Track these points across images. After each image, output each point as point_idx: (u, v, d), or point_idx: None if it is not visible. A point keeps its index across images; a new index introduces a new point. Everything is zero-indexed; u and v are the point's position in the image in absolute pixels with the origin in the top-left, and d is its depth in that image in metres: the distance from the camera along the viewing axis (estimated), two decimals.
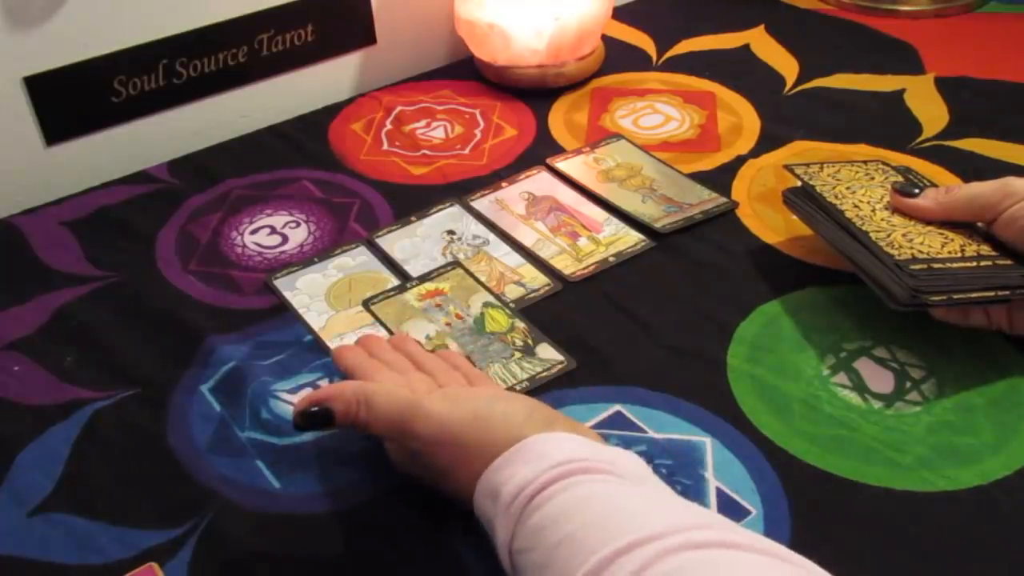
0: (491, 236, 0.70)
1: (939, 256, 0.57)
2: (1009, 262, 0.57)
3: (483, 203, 0.74)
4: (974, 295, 0.55)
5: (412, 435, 0.48)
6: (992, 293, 0.55)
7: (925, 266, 0.56)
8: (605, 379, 0.58)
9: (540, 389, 0.58)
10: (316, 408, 0.48)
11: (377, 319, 0.63)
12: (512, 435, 0.46)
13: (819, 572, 0.36)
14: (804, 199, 0.65)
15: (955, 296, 0.55)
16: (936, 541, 0.49)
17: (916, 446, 0.54)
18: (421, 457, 0.49)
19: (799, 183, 0.65)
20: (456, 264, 0.68)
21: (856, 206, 0.62)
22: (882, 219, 0.60)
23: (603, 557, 0.37)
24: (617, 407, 0.56)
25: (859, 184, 0.64)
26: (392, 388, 0.50)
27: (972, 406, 0.56)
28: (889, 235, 0.59)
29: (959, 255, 0.57)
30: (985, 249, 0.58)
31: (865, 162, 0.67)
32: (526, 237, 0.70)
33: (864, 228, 0.59)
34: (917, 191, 0.61)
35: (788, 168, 0.66)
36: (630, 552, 0.37)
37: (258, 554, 0.50)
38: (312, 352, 0.61)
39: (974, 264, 0.56)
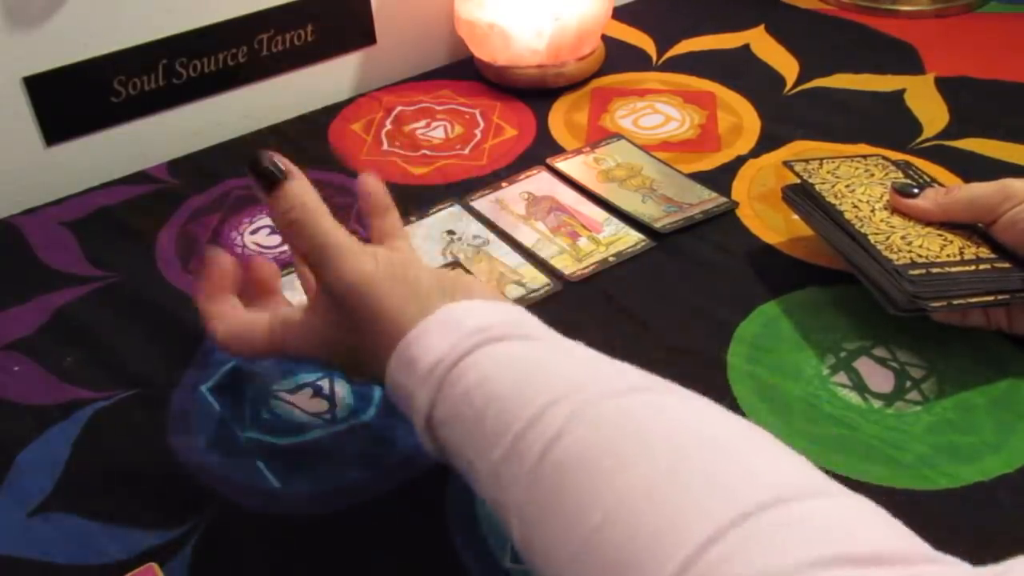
0: (491, 236, 0.70)
1: (938, 260, 0.56)
2: (1008, 265, 0.57)
3: (483, 203, 0.74)
4: (973, 300, 0.55)
5: (335, 273, 0.47)
6: (992, 297, 0.55)
7: (924, 271, 0.56)
8: None
9: None
10: (275, 168, 0.47)
11: None
12: (423, 305, 0.46)
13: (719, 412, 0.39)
14: (803, 197, 0.65)
15: (955, 302, 0.55)
16: (937, 539, 0.49)
17: (916, 445, 0.54)
18: (331, 314, 0.48)
19: (798, 180, 0.65)
20: (456, 264, 0.68)
21: (855, 206, 0.62)
22: (881, 220, 0.60)
23: (538, 407, 0.39)
24: None
25: (859, 182, 0.64)
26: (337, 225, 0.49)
27: (972, 405, 0.56)
28: (888, 237, 0.59)
29: (958, 258, 0.57)
30: (984, 251, 0.58)
31: (864, 157, 0.67)
32: (526, 237, 0.70)
33: (863, 230, 0.59)
34: (916, 191, 0.61)
35: (787, 164, 0.66)
36: (559, 402, 0.39)
37: (258, 554, 0.50)
38: None
39: (973, 268, 0.56)
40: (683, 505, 0.34)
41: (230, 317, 0.53)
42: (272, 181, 0.47)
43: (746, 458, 0.37)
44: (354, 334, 0.48)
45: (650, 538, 0.34)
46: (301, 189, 0.47)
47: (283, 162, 0.48)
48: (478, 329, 0.44)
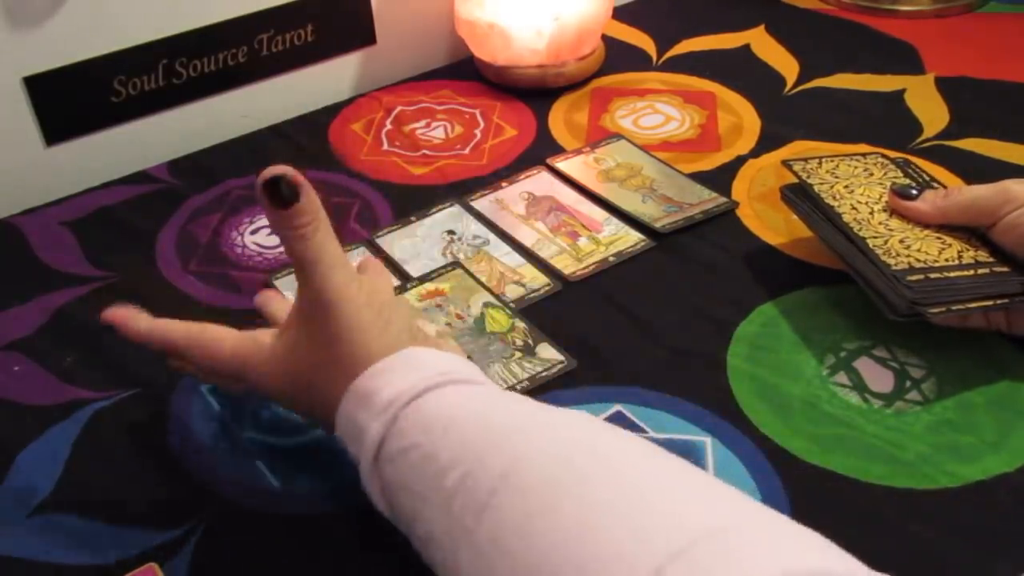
0: (491, 236, 0.70)
1: (936, 264, 0.56)
2: (1007, 268, 0.56)
3: (483, 203, 0.74)
4: (973, 305, 0.55)
5: (320, 284, 0.47)
6: (991, 302, 0.55)
7: (922, 276, 0.55)
8: (605, 379, 0.58)
9: (540, 389, 0.58)
10: (291, 190, 0.45)
11: None
12: (390, 343, 0.46)
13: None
14: (802, 197, 0.65)
15: (954, 307, 0.55)
16: (937, 537, 0.49)
17: (916, 445, 0.54)
18: (299, 331, 0.48)
19: (797, 180, 0.65)
20: (456, 264, 0.68)
21: (854, 208, 0.61)
22: (880, 223, 0.60)
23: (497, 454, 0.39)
24: (617, 407, 0.56)
25: (858, 182, 0.64)
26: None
27: (972, 405, 0.56)
28: (887, 241, 0.58)
29: (956, 262, 0.57)
30: (983, 255, 0.57)
31: (864, 155, 0.67)
32: (526, 237, 0.70)
33: (862, 234, 0.59)
34: (915, 192, 0.61)
35: (786, 164, 0.66)
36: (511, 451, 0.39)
37: (258, 554, 0.50)
38: None
39: (972, 272, 0.56)
40: (627, 536, 0.34)
41: (200, 328, 0.53)
42: (288, 201, 0.46)
43: (682, 494, 0.37)
44: (315, 354, 0.47)
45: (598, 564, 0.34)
46: (311, 207, 0.46)
47: (295, 178, 0.46)
48: (440, 372, 0.44)
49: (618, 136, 0.81)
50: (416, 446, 0.42)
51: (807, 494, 0.51)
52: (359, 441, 0.44)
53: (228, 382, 0.54)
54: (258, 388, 0.51)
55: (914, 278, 0.55)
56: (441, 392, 0.44)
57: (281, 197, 0.45)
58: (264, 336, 0.51)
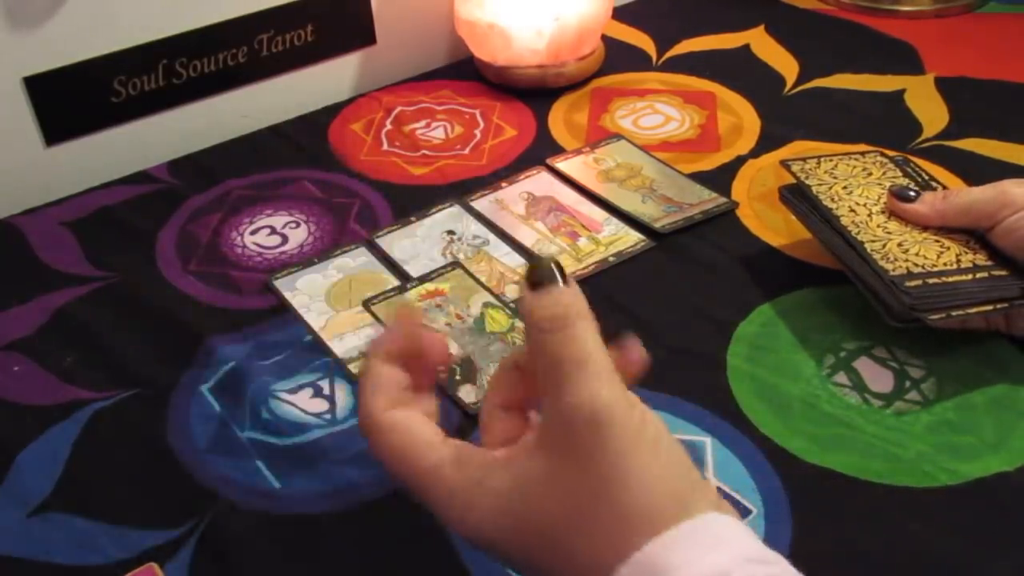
0: (491, 236, 0.70)
1: (935, 268, 0.56)
2: (1006, 272, 0.56)
3: (483, 203, 0.74)
4: (972, 311, 0.55)
5: (588, 391, 0.35)
6: (991, 307, 0.55)
7: (920, 281, 0.55)
8: None
9: None
10: (551, 266, 0.37)
11: (377, 319, 0.63)
12: (685, 500, 0.35)
13: None
14: (800, 198, 0.65)
15: (953, 313, 0.55)
16: (937, 536, 0.49)
17: (916, 444, 0.54)
18: (547, 459, 0.36)
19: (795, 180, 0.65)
20: (456, 264, 0.68)
21: (852, 210, 0.61)
22: (878, 225, 0.60)
23: None
24: None
25: (856, 183, 0.64)
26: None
27: (972, 405, 0.56)
28: (885, 245, 0.58)
29: (955, 266, 0.56)
30: (981, 258, 0.57)
31: (863, 154, 0.67)
32: (526, 237, 0.70)
33: (860, 237, 0.59)
34: (913, 194, 0.61)
35: (784, 164, 0.66)
36: None
37: (258, 554, 0.50)
38: (312, 352, 0.61)
39: (971, 276, 0.56)
40: None
41: (395, 405, 0.40)
42: (544, 280, 0.37)
43: None
44: (568, 500, 0.35)
45: None
46: (575, 296, 0.37)
47: (561, 266, 0.38)
48: (748, 558, 0.34)
49: (618, 136, 0.81)
50: None
51: (807, 494, 0.51)
52: None
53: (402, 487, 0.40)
54: (452, 526, 0.38)
55: (912, 283, 0.55)
56: None
57: (539, 273, 0.37)
58: (479, 459, 0.38)
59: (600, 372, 0.36)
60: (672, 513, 0.34)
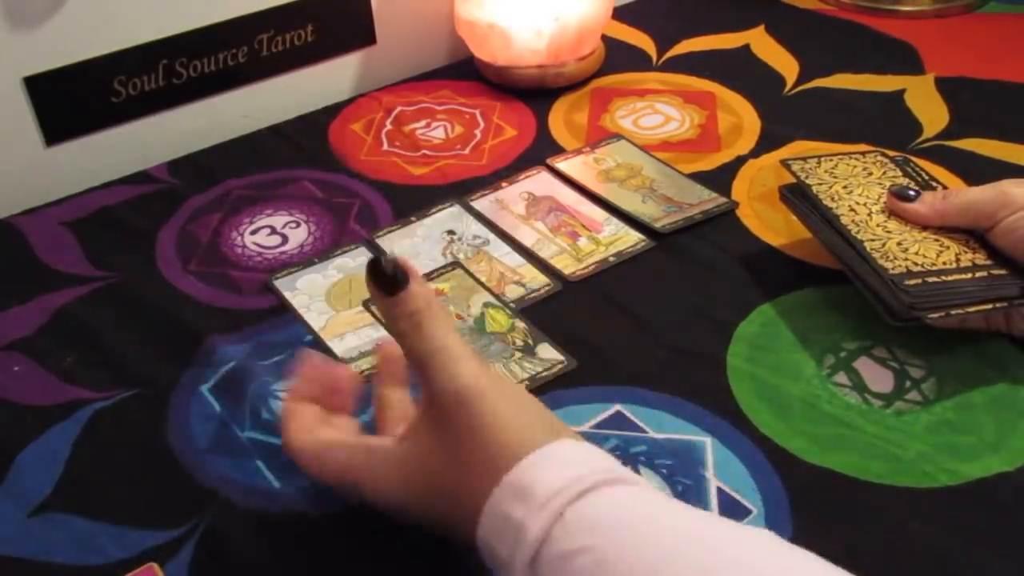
0: (491, 236, 0.70)
1: (934, 268, 0.56)
2: (1005, 271, 0.56)
3: (483, 203, 0.74)
4: (972, 310, 0.55)
5: (448, 374, 0.43)
6: (990, 306, 0.55)
7: (920, 280, 0.55)
8: (605, 379, 0.58)
9: (540, 389, 0.58)
10: (397, 271, 0.44)
11: (377, 319, 0.63)
12: (534, 435, 0.42)
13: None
14: (800, 198, 0.65)
15: (953, 312, 0.55)
16: (937, 536, 0.49)
17: (916, 444, 0.54)
18: (429, 434, 0.45)
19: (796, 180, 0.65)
20: (456, 264, 0.68)
21: (852, 209, 0.61)
22: (877, 225, 0.60)
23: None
24: (617, 407, 0.56)
25: (856, 182, 0.64)
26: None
27: (972, 405, 0.56)
28: (884, 244, 0.58)
29: (954, 265, 0.57)
30: (981, 258, 0.57)
31: (863, 154, 0.67)
32: (526, 237, 0.70)
33: (859, 236, 0.59)
34: (913, 194, 0.61)
35: (784, 164, 0.66)
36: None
37: (258, 554, 0.50)
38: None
39: (970, 275, 0.56)
40: None
41: (309, 430, 0.49)
42: (394, 286, 0.44)
43: None
44: (450, 457, 0.43)
45: None
46: (423, 291, 0.44)
47: (404, 264, 0.44)
48: (604, 469, 0.40)
49: (618, 136, 0.81)
50: (585, 550, 0.37)
51: (807, 494, 0.51)
52: (514, 541, 0.39)
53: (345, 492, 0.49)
54: (376, 500, 0.47)
55: (912, 282, 0.55)
56: (610, 491, 0.39)
57: (385, 277, 0.43)
58: (377, 444, 0.47)
59: (456, 357, 0.43)
60: (531, 445, 0.41)
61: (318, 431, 0.49)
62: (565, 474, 0.40)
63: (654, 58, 0.93)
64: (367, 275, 0.44)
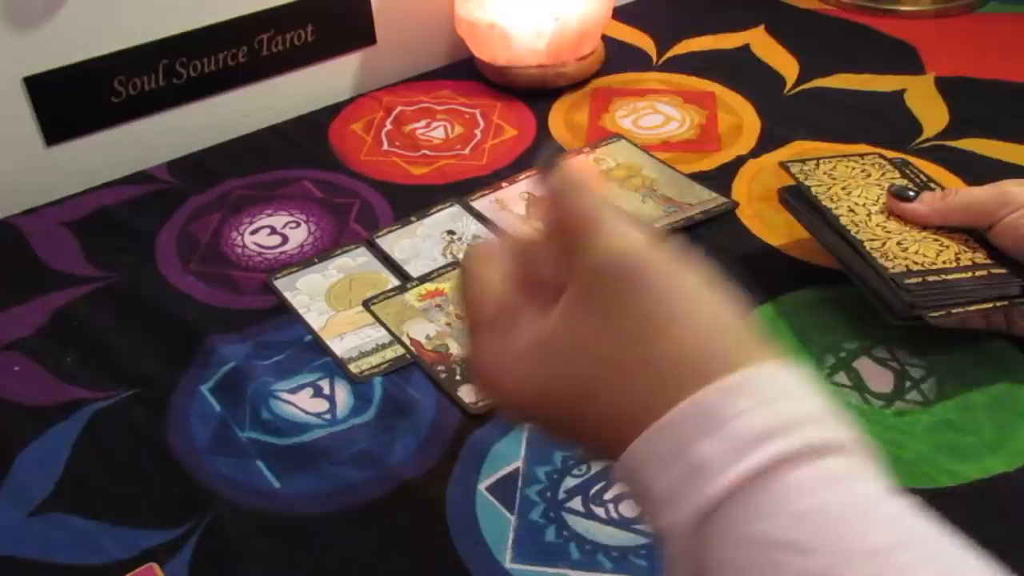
0: (491, 236, 0.70)
1: (934, 267, 0.56)
2: (1005, 270, 0.56)
3: (483, 203, 0.74)
4: (972, 308, 0.55)
5: (607, 239, 0.34)
6: (990, 304, 0.55)
7: (920, 279, 0.55)
8: None
9: None
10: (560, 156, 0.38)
11: (377, 319, 0.63)
12: (734, 348, 0.33)
13: None
14: (799, 199, 0.65)
15: (953, 311, 0.55)
16: None
17: (916, 444, 0.54)
18: (582, 305, 0.34)
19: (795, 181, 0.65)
20: (456, 264, 0.68)
21: (851, 210, 0.61)
22: (877, 224, 0.60)
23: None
24: None
25: (855, 183, 0.64)
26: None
27: (972, 405, 0.56)
28: (884, 243, 0.58)
29: (954, 264, 0.57)
30: (980, 257, 0.57)
31: (862, 155, 0.67)
32: None
33: (859, 236, 0.59)
34: (913, 194, 0.61)
35: (783, 165, 0.66)
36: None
37: (258, 554, 0.50)
38: (312, 352, 0.61)
39: (970, 274, 0.56)
40: None
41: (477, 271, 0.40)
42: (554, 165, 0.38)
43: None
44: (613, 344, 0.33)
45: None
46: (587, 170, 0.40)
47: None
48: (818, 418, 0.32)
49: (618, 136, 0.81)
50: (796, 549, 0.28)
51: None
52: (688, 481, 0.30)
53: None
54: (504, 393, 0.37)
55: (912, 281, 0.55)
56: (835, 465, 0.30)
57: (550, 159, 0.38)
58: (517, 313, 0.37)
59: (618, 226, 0.35)
60: (725, 358, 0.32)
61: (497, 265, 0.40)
62: (781, 412, 0.31)
63: (654, 58, 0.93)
64: (539, 165, 0.38)
